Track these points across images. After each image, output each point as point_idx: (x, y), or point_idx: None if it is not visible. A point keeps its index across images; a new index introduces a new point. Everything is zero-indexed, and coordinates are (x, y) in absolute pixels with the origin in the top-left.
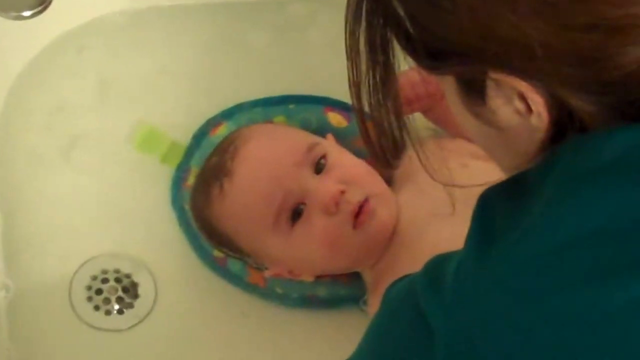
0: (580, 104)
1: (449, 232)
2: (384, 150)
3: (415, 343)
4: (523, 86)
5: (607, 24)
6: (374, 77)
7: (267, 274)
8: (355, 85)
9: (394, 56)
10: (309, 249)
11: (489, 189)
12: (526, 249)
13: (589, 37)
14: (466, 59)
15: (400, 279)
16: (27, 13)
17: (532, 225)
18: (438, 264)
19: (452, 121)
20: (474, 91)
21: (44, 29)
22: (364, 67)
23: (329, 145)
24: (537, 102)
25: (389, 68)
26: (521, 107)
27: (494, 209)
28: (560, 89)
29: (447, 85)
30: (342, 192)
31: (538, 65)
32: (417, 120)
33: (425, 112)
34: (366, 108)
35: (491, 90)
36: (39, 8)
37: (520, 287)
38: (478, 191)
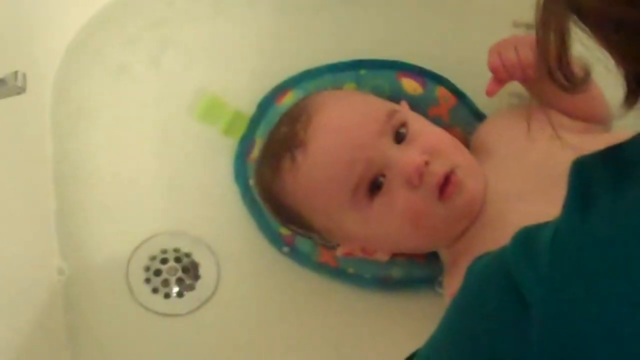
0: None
1: (536, 212)
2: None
3: (507, 317)
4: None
5: None
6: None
7: (338, 252)
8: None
9: None
10: (389, 225)
11: (583, 156)
12: (637, 214)
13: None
14: None
15: (484, 255)
16: None
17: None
18: (530, 234)
19: (546, 92)
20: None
21: None
22: None
23: (408, 113)
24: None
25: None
26: None
27: (591, 175)
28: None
29: None
30: (427, 163)
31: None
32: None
33: (524, 82)
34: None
35: None
36: None
37: (627, 251)
38: (566, 168)
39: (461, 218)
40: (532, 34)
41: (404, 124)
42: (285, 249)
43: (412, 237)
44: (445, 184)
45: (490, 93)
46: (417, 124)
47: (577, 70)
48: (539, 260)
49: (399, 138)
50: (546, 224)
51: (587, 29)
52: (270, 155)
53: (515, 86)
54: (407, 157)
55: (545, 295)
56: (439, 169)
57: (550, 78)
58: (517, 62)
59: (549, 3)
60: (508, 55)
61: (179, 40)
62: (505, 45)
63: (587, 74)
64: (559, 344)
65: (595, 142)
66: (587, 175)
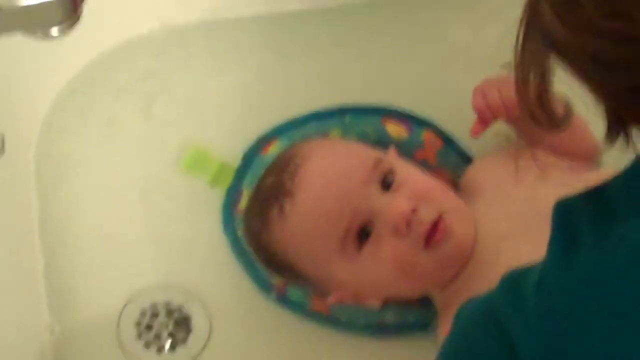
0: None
1: (527, 252)
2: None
3: None
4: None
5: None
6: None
7: (330, 300)
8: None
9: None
10: (378, 273)
11: (566, 198)
12: (622, 254)
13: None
14: None
15: (472, 300)
16: (54, 32)
17: (625, 232)
18: (516, 278)
19: (534, 132)
20: None
21: (83, 45)
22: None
23: (394, 160)
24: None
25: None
26: None
27: (577, 216)
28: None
29: None
30: (414, 211)
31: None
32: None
33: (509, 121)
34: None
35: None
36: (66, 24)
37: (613, 294)
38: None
39: (451, 264)
40: None
41: (390, 171)
42: (273, 294)
43: (402, 285)
44: (433, 232)
45: (475, 134)
46: (404, 170)
47: (558, 108)
48: (525, 304)
49: (386, 185)
50: (532, 267)
51: (564, 64)
52: (258, 205)
53: (502, 126)
54: (394, 205)
55: (532, 339)
56: (426, 216)
57: (531, 118)
58: (501, 103)
59: (527, 41)
60: (492, 96)
61: (163, 93)
62: (488, 86)
63: (569, 111)
64: None
65: (582, 181)
66: (571, 217)
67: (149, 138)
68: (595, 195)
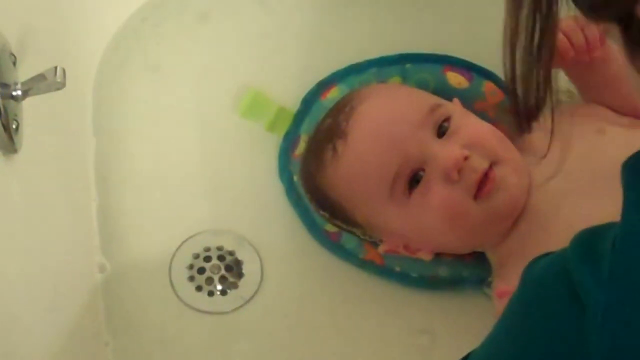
0: None
1: (588, 209)
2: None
3: (565, 322)
4: None
5: None
6: (534, 24)
7: (381, 249)
8: (511, 33)
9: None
10: (427, 221)
11: (636, 155)
12: None
13: None
14: None
15: (543, 256)
16: None
17: None
18: (590, 236)
19: (594, 84)
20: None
21: None
22: (524, 12)
23: (453, 107)
24: None
25: (552, 14)
26: None
27: None
28: None
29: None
30: (466, 158)
31: None
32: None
33: (570, 71)
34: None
35: None
36: None
37: None
38: (618, 161)
39: (501, 217)
40: None
41: (447, 119)
42: (328, 242)
43: (450, 235)
44: (484, 182)
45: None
46: (461, 117)
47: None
48: (600, 264)
49: (441, 132)
50: (608, 225)
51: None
52: (314, 147)
53: (563, 83)
54: (447, 151)
55: (605, 299)
56: (479, 164)
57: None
58: (585, 44)
59: None
60: (577, 37)
61: (221, 36)
62: (571, 27)
63: None
64: (618, 350)
65: None
66: None
67: (206, 80)
68: None
